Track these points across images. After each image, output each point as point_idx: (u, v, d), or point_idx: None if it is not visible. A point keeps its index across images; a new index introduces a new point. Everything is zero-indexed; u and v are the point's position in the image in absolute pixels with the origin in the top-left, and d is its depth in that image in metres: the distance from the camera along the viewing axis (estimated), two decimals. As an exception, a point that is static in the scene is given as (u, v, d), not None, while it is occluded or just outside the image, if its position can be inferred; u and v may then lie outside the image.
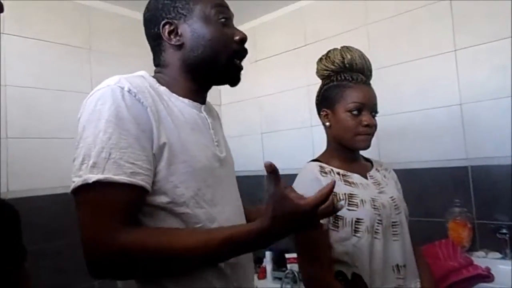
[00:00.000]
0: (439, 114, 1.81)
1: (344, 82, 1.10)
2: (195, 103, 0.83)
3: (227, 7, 0.84)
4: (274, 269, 2.18)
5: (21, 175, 1.73)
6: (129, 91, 0.69)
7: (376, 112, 1.12)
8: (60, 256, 1.72)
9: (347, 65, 1.12)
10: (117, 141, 0.65)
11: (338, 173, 1.08)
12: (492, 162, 1.66)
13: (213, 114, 0.93)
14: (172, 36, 0.81)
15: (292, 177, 1.07)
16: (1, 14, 0.67)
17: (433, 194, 1.79)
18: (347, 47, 1.15)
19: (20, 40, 1.81)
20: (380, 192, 1.08)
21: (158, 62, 0.85)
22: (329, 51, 1.17)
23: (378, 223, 1.01)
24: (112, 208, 0.63)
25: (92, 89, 0.71)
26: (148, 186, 0.67)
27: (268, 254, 2.22)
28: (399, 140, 1.93)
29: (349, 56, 1.12)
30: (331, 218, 1.01)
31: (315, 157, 1.17)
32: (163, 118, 0.73)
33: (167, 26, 0.80)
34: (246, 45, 0.85)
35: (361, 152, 1.18)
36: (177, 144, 0.72)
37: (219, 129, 0.92)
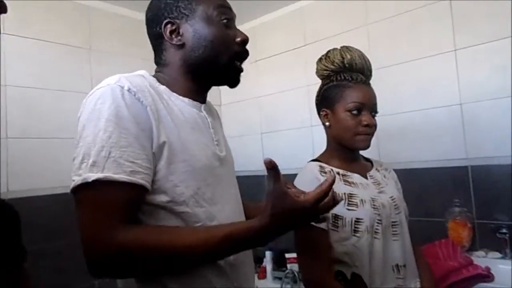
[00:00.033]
0: (439, 114, 1.81)
1: (343, 82, 1.10)
2: (195, 103, 0.83)
3: (229, 8, 0.84)
4: (274, 269, 2.18)
5: (21, 175, 1.73)
6: (128, 90, 0.69)
7: (376, 112, 1.12)
8: (60, 256, 1.72)
9: (346, 65, 1.12)
10: (117, 140, 0.65)
11: (338, 173, 1.08)
12: (492, 162, 1.66)
13: (213, 114, 0.93)
14: (173, 36, 0.81)
15: (292, 177, 1.07)
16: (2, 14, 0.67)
17: (433, 194, 1.79)
18: (346, 47, 1.15)
19: (20, 40, 1.81)
20: (380, 192, 1.08)
21: (159, 61, 0.85)
22: (328, 51, 1.17)
23: (377, 223, 1.01)
24: (112, 207, 0.63)
25: (92, 89, 0.71)
26: (148, 185, 0.67)
27: (268, 254, 2.22)
28: (399, 140, 1.93)
29: (348, 56, 1.12)
30: (330, 218, 1.01)
31: (315, 157, 1.17)
32: (163, 117, 0.73)
33: (169, 26, 0.80)
34: (247, 46, 0.85)
35: (361, 152, 1.18)
36: (177, 143, 0.72)
37: (219, 128, 0.92)
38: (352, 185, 1.06)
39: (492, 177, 1.66)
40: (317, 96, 1.19)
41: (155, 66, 0.88)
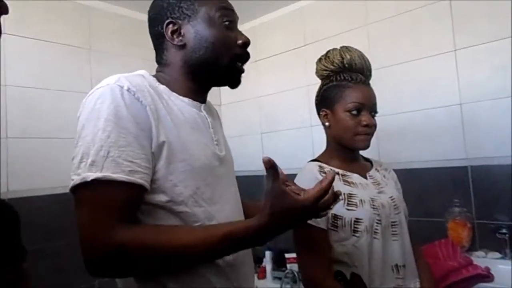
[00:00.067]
0: (439, 114, 1.81)
1: (343, 82, 1.10)
2: (195, 102, 0.83)
3: (232, 11, 0.84)
4: (273, 269, 2.18)
5: (21, 175, 1.73)
6: (128, 90, 0.69)
7: (375, 112, 1.12)
8: (60, 256, 1.73)
9: (346, 65, 1.12)
10: (115, 140, 0.65)
11: (338, 173, 1.08)
12: (492, 162, 1.66)
13: (213, 113, 0.93)
14: (174, 36, 0.81)
15: (292, 177, 1.07)
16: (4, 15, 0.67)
17: (433, 194, 1.79)
18: (346, 47, 1.15)
19: (20, 40, 1.81)
20: (379, 192, 1.08)
21: (160, 60, 0.85)
22: (328, 51, 1.17)
23: (377, 223, 1.01)
24: (110, 206, 0.63)
25: (92, 89, 0.72)
26: (146, 185, 0.67)
27: (268, 253, 2.22)
28: (399, 140, 1.93)
29: (348, 56, 1.12)
30: (330, 218, 1.01)
31: (314, 157, 1.17)
32: (162, 117, 0.73)
33: (170, 26, 0.80)
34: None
35: (361, 152, 1.18)
36: (176, 143, 0.73)
37: (219, 128, 0.93)
38: (352, 185, 1.06)
39: (492, 177, 1.66)
40: (317, 96, 1.19)
41: (155, 66, 0.88)
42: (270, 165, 0.63)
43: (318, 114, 1.17)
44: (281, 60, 2.48)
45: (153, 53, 0.89)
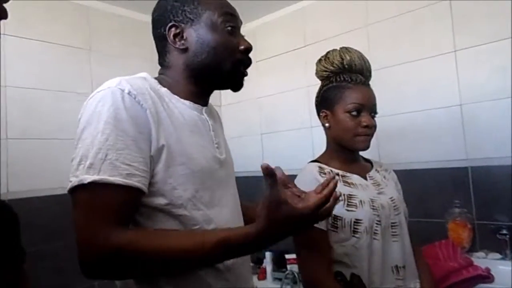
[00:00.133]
0: (439, 114, 1.81)
1: (343, 83, 1.10)
2: (196, 105, 0.83)
3: (235, 16, 0.84)
4: (274, 270, 2.18)
5: (21, 176, 1.73)
6: (129, 93, 0.69)
7: (375, 112, 1.12)
8: (59, 256, 1.72)
9: (346, 66, 1.12)
10: (114, 142, 0.65)
11: (338, 174, 1.08)
12: (492, 163, 1.66)
13: (214, 116, 0.93)
14: (177, 40, 0.81)
15: (292, 178, 1.07)
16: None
17: (433, 194, 1.79)
18: (346, 48, 1.15)
19: (20, 41, 1.81)
20: (379, 193, 1.08)
21: (162, 62, 0.85)
22: (328, 52, 1.17)
23: (377, 224, 1.01)
24: (107, 209, 0.63)
25: (92, 90, 0.72)
26: (144, 188, 0.67)
27: (268, 254, 2.22)
28: (399, 141, 1.93)
29: (348, 57, 1.12)
30: (330, 219, 1.01)
31: (314, 158, 1.17)
32: (163, 120, 0.73)
33: (173, 29, 0.80)
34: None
35: (361, 153, 1.18)
36: (176, 146, 0.72)
37: (220, 131, 0.93)
38: (352, 186, 1.06)
39: (492, 178, 1.66)
40: (317, 97, 1.19)
41: (155, 66, 0.88)
42: (268, 172, 0.62)
43: (318, 115, 1.17)
44: (281, 60, 2.48)
45: (153, 53, 0.89)
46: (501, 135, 1.62)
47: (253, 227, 0.65)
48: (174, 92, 0.80)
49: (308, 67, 2.20)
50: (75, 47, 2.02)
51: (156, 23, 0.84)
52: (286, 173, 0.70)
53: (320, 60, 1.19)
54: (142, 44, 2.19)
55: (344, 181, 1.07)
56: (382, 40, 2.00)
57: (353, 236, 0.99)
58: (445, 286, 1.41)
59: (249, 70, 0.86)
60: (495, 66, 1.66)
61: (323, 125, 1.15)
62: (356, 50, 1.15)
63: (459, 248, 1.57)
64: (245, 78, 0.87)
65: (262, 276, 2.20)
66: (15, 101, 1.76)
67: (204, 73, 0.81)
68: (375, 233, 1.01)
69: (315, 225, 0.97)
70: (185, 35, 0.80)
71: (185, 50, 0.81)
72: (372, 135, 1.10)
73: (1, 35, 1.72)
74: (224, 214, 0.78)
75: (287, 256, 2.06)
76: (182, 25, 0.80)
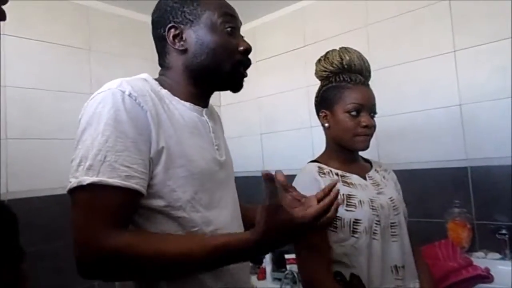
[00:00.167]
0: (439, 114, 1.81)
1: (342, 83, 1.10)
2: (197, 107, 0.83)
3: (235, 17, 0.84)
4: (273, 270, 2.17)
5: (21, 176, 1.73)
6: (129, 95, 0.69)
7: (375, 113, 1.12)
8: (59, 256, 1.72)
9: (345, 66, 1.12)
10: (113, 144, 0.65)
11: (337, 174, 1.08)
12: (491, 163, 1.66)
13: (215, 118, 0.93)
14: (176, 41, 0.81)
15: (291, 177, 1.07)
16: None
17: (433, 194, 1.79)
18: (345, 48, 1.15)
19: (20, 41, 1.81)
20: (378, 193, 1.08)
21: (162, 63, 0.86)
22: (327, 52, 1.17)
23: (376, 224, 1.01)
24: (104, 211, 0.63)
25: (92, 90, 0.72)
26: (142, 190, 0.67)
27: (267, 254, 2.22)
28: (399, 141, 1.93)
29: (347, 57, 1.12)
30: (330, 219, 1.01)
31: (314, 158, 1.17)
32: (163, 122, 0.73)
33: (172, 30, 0.80)
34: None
35: (361, 153, 1.18)
36: (175, 148, 0.72)
37: (220, 132, 0.93)
38: (351, 186, 1.06)
39: (491, 178, 1.66)
40: (316, 97, 1.19)
41: (155, 67, 0.88)
42: (269, 179, 0.62)
43: (318, 115, 1.17)
44: (281, 60, 2.48)
45: (153, 54, 0.89)
46: (500, 135, 1.63)
47: (251, 234, 0.65)
48: (174, 93, 0.80)
49: (308, 67, 2.20)
50: (75, 47, 2.02)
51: (156, 24, 0.84)
52: (286, 173, 0.70)
53: (319, 60, 1.19)
54: (141, 44, 2.19)
55: (343, 181, 1.07)
56: (382, 40, 2.00)
57: (353, 236, 0.99)
58: (444, 286, 1.41)
59: (248, 70, 0.86)
60: (494, 66, 1.66)
61: (323, 125, 1.15)
62: (355, 50, 1.15)
63: (459, 248, 1.57)
64: (246, 78, 0.87)
65: (262, 276, 2.20)
66: (15, 101, 1.76)
67: (204, 74, 0.81)
68: (374, 233, 1.01)
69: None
70: (184, 36, 0.80)
71: (184, 51, 0.81)
72: (371, 135, 1.10)
73: (1, 35, 1.72)
74: (223, 216, 0.78)
75: (286, 256, 2.06)
76: (182, 26, 0.80)
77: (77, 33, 2.04)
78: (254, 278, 2.13)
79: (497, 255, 1.58)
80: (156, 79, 0.82)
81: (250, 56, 0.86)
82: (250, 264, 0.89)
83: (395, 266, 1.02)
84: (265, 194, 0.62)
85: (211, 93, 0.89)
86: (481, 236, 1.67)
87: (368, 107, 1.09)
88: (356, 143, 1.08)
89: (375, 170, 1.18)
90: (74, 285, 1.72)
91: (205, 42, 0.79)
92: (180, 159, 0.73)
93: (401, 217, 1.09)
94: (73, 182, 0.64)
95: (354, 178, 1.09)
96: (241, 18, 0.87)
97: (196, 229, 0.72)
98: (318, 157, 1.17)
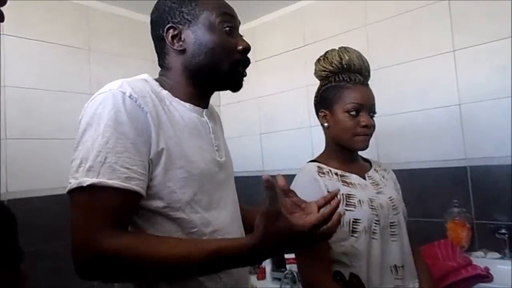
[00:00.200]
0: (438, 114, 1.81)
1: (342, 83, 1.10)
2: (197, 108, 0.83)
3: (233, 16, 0.84)
4: (273, 270, 2.18)
5: (21, 176, 1.73)
6: (130, 96, 0.69)
7: (374, 112, 1.12)
8: (59, 257, 1.72)
9: (345, 66, 1.13)
10: (113, 145, 0.65)
11: (336, 174, 1.08)
12: (491, 162, 1.66)
13: (215, 119, 0.93)
14: (175, 41, 0.81)
15: (291, 177, 1.07)
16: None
17: (432, 194, 1.79)
18: (345, 48, 1.15)
19: (20, 41, 1.81)
20: (378, 193, 1.08)
21: (162, 64, 0.85)
22: (327, 52, 1.17)
23: (375, 223, 1.01)
24: (104, 212, 0.63)
25: (92, 90, 0.72)
26: (142, 191, 0.67)
27: (267, 254, 2.22)
28: (398, 141, 1.93)
29: (347, 57, 1.12)
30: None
31: (313, 158, 1.17)
32: (163, 123, 0.73)
33: (171, 30, 0.80)
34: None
35: (360, 153, 1.18)
36: (175, 150, 0.72)
37: (220, 133, 0.93)
38: (350, 185, 1.06)
39: (491, 177, 1.66)
40: (316, 97, 1.19)
41: (154, 67, 0.88)
42: (269, 185, 0.61)
43: (317, 114, 1.17)
44: (281, 60, 2.48)
45: (152, 53, 0.89)
46: (500, 134, 1.63)
47: (250, 238, 0.64)
48: (174, 94, 0.80)
49: (308, 66, 2.21)
50: (75, 47, 2.02)
51: (155, 25, 0.84)
52: (285, 173, 0.70)
53: (319, 60, 1.19)
54: (141, 44, 2.19)
55: (342, 181, 1.07)
56: (381, 40, 2.00)
57: (352, 235, 0.99)
58: (444, 285, 1.41)
59: (248, 70, 0.87)
60: (494, 65, 1.66)
61: (322, 124, 1.15)
62: (355, 50, 1.15)
63: (458, 247, 1.57)
64: (245, 78, 0.87)
65: (262, 276, 2.20)
66: (15, 101, 1.76)
67: (203, 74, 0.81)
68: (373, 232, 1.01)
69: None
70: (183, 36, 0.80)
71: (183, 51, 0.81)
72: (371, 135, 1.10)
73: (1, 35, 1.72)
74: (222, 217, 0.78)
75: (286, 256, 2.06)
76: (180, 26, 0.80)
77: (77, 33, 2.04)
78: (253, 278, 2.13)
79: (497, 255, 1.59)
80: (156, 80, 0.82)
81: (249, 55, 0.86)
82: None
83: (395, 266, 1.02)
84: (264, 198, 0.62)
85: (211, 93, 0.88)
86: (481, 235, 1.67)
87: (367, 106, 1.09)
88: (356, 143, 1.08)
89: (375, 169, 1.18)
90: (74, 286, 1.71)
91: (204, 42, 0.79)
92: (180, 160, 0.72)
93: (400, 217, 1.09)
94: (73, 183, 0.64)
95: (354, 177, 1.09)
96: (240, 18, 0.87)
97: (195, 230, 0.72)
98: (318, 157, 1.17)
